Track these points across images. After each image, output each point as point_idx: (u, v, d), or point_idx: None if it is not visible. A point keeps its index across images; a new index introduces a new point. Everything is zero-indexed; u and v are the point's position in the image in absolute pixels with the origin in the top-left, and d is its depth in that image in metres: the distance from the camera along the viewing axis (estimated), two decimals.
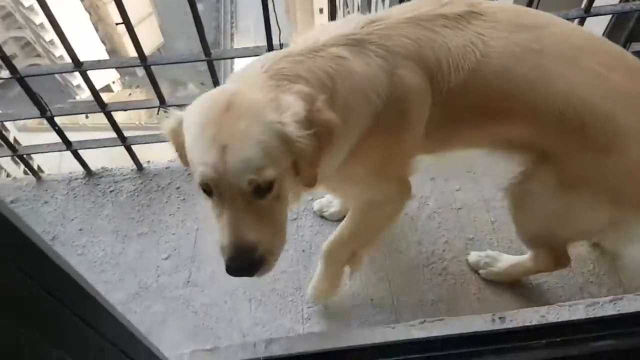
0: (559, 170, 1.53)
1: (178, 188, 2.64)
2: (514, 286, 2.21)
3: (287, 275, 2.33)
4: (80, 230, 2.54)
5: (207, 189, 1.31)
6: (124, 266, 2.44)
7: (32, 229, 0.74)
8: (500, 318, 1.41)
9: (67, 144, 2.49)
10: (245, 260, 1.33)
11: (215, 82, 2.24)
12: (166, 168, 2.70)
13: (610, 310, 1.38)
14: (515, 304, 2.12)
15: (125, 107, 2.38)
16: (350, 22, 1.49)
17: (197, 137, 1.29)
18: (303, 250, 2.40)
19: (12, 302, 0.71)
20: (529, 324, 1.37)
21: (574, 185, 1.53)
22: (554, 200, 1.59)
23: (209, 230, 2.49)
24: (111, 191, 2.64)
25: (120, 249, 2.48)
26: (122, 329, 1.05)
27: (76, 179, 2.69)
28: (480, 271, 2.24)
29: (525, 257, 2.09)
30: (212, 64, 2.17)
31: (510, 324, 1.39)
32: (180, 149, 1.40)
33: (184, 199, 2.61)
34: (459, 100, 1.51)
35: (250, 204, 1.30)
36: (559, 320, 1.37)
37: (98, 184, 2.67)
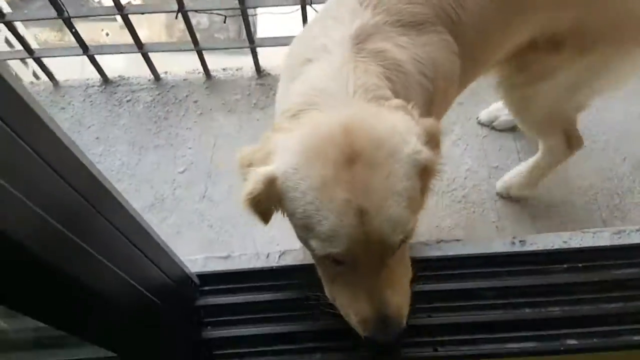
0: (574, 42, 1.53)
1: (196, 102, 2.58)
2: (536, 216, 2.16)
3: None
4: (97, 138, 2.52)
5: (334, 259, 1.07)
6: (140, 177, 2.43)
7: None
8: (520, 241, 1.36)
9: (84, 48, 2.42)
10: (397, 332, 1.08)
11: None
12: (184, 80, 2.63)
13: (636, 239, 1.32)
14: (535, 233, 2.07)
15: (143, 10, 2.29)
16: (345, 10, 1.29)
17: (318, 203, 1.01)
18: None
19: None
20: (550, 248, 1.32)
21: (593, 47, 1.54)
22: (576, 68, 1.60)
23: (225, 145, 2.46)
24: (128, 101, 2.60)
25: (137, 160, 2.46)
26: (132, 219, 1.04)
27: (93, 86, 2.64)
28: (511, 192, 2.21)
29: (537, 155, 2.09)
30: None
31: (531, 248, 1.34)
32: (269, 213, 1.15)
33: (201, 113, 2.55)
34: (474, 35, 1.42)
35: (386, 263, 1.07)
36: (582, 246, 1.32)
37: (115, 93, 2.62)
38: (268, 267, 1.43)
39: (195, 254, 2.22)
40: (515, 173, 2.19)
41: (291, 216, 1.09)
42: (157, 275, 1.17)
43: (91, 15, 2.36)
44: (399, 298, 1.10)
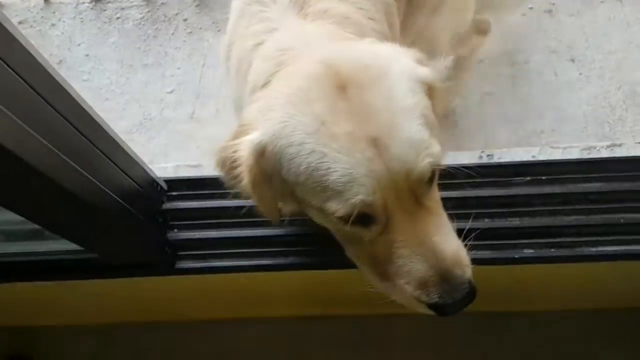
0: None
1: (185, 20, 2.53)
2: (521, 143, 2.11)
3: None
4: (87, 56, 2.50)
5: (359, 217, 0.87)
6: (129, 96, 2.42)
7: None
8: (488, 155, 1.35)
9: None
10: (466, 287, 0.89)
11: None
12: None
13: (605, 154, 1.30)
14: None
15: None
16: None
17: (322, 148, 0.84)
18: None
19: None
20: (516, 161, 1.31)
21: None
22: None
23: (214, 66, 2.42)
24: (117, 18, 2.56)
25: (125, 79, 2.45)
26: (98, 127, 1.05)
27: (83, 2, 2.59)
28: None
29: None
30: None
31: (497, 161, 1.32)
32: (268, 191, 0.96)
33: (190, 32, 2.51)
34: None
35: (422, 204, 0.90)
36: (549, 159, 1.30)
37: (105, 10, 2.57)
38: None
39: None
40: None
41: (297, 185, 0.91)
42: (124, 180, 1.19)
43: None
44: (452, 244, 0.91)
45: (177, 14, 2.54)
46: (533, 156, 1.32)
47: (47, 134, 0.84)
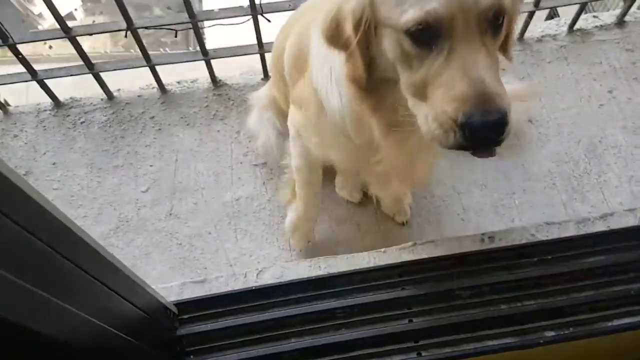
0: None
1: (152, 117, 2.53)
2: (498, 205, 2.21)
3: (272, 204, 2.30)
4: (54, 164, 2.44)
5: (423, 34, 0.98)
6: (102, 200, 2.36)
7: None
8: (489, 238, 1.40)
9: (33, 73, 2.33)
10: (501, 113, 0.93)
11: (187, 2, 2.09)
12: (138, 96, 2.57)
13: (600, 227, 1.38)
14: (498, 224, 2.12)
15: (90, 30, 2.21)
16: None
17: None
18: None
19: None
20: (518, 242, 1.36)
21: None
22: None
23: (187, 160, 2.42)
24: (82, 122, 2.52)
25: (97, 183, 2.39)
26: (103, 260, 1.01)
27: (45, 110, 2.55)
28: None
29: None
30: None
31: (500, 244, 1.38)
32: (364, 43, 1.08)
33: (159, 129, 2.50)
34: None
35: (484, 42, 1.00)
36: (549, 238, 1.36)
37: (68, 115, 2.54)
38: (247, 289, 1.43)
39: (168, 275, 2.20)
40: None
41: (384, 4, 1.03)
42: (132, 313, 1.13)
43: (37, 40, 2.27)
44: (499, 86, 0.98)
45: (143, 113, 2.53)
46: (532, 234, 1.38)
47: (24, 272, 0.70)
